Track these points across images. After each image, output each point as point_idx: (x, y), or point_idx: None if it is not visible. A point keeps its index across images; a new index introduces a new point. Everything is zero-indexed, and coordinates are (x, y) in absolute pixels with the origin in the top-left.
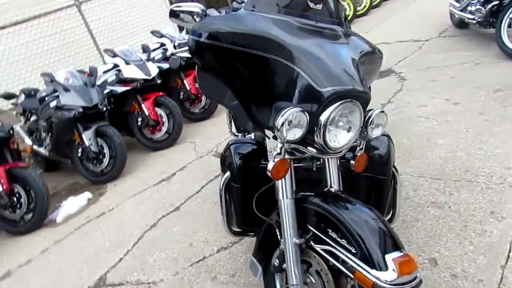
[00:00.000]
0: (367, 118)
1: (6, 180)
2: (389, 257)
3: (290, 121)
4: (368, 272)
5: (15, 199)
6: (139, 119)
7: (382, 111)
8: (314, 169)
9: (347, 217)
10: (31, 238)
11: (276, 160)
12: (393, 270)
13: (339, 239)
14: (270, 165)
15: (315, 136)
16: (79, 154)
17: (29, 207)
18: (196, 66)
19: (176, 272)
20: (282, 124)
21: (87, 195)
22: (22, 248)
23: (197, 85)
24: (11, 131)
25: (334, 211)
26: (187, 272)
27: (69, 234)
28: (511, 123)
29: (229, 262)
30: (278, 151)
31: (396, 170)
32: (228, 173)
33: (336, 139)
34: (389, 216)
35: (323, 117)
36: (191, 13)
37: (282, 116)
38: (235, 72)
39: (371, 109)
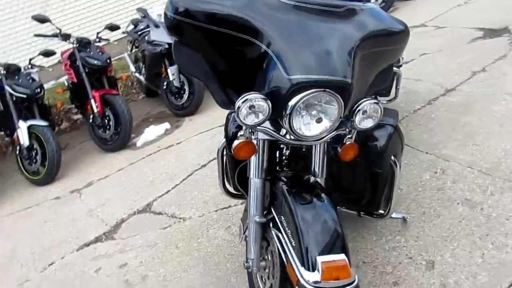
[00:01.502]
0: (355, 108)
1: (100, 104)
2: (322, 259)
3: (252, 105)
4: (297, 268)
5: (106, 121)
6: None
7: (376, 103)
8: (303, 149)
9: (298, 210)
10: (114, 157)
11: (240, 140)
12: (319, 272)
13: (287, 228)
14: (233, 144)
15: (283, 123)
16: (164, 87)
17: (117, 129)
18: (173, 40)
19: (202, 214)
20: (239, 108)
21: (166, 125)
22: (106, 164)
23: None
24: (108, 60)
25: (290, 201)
26: (210, 216)
27: (140, 159)
28: None
29: None
30: (242, 132)
31: (396, 164)
32: (224, 140)
33: (309, 127)
34: (385, 210)
35: (290, 105)
36: None
37: (240, 100)
38: (211, 50)
39: (366, 99)
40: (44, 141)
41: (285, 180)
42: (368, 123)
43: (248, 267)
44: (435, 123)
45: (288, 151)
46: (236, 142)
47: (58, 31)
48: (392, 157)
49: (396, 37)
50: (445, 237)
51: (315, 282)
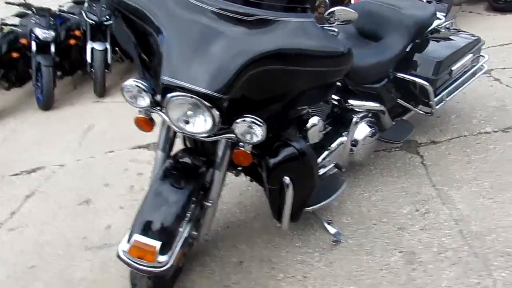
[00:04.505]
0: (238, 120)
1: None
2: (137, 237)
3: (139, 91)
4: (126, 235)
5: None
6: None
7: (260, 125)
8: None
9: (155, 187)
10: None
11: (139, 115)
12: (128, 247)
13: None
14: (135, 115)
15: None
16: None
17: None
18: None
19: None
20: (124, 89)
21: None
22: None
23: None
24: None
25: (159, 177)
26: None
27: None
28: None
29: None
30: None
31: (288, 186)
32: None
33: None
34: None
35: (165, 100)
36: None
37: (128, 82)
38: (134, 32)
39: (249, 116)
40: None
41: (178, 160)
42: (248, 138)
43: None
44: (482, 156)
45: None
46: (137, 115)
47: None
48: (287, 179)
49: (328, 59)
50: (352, 276)
51: (123, 251)
